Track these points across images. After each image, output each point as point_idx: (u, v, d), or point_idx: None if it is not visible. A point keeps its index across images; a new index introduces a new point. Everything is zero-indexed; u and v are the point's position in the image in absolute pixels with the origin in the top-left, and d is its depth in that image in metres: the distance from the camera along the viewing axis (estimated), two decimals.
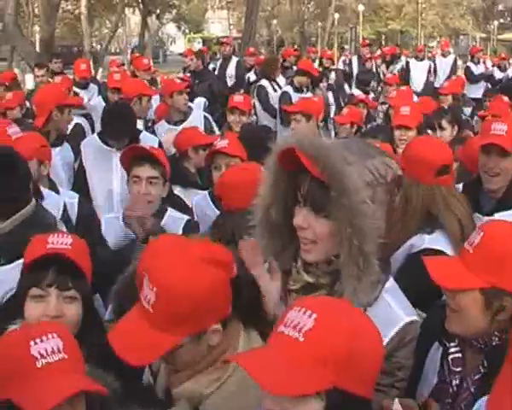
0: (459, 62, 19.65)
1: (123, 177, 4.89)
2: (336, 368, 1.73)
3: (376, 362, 1.84)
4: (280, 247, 2.61)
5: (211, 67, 15.31)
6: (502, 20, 65.73)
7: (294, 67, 12.77)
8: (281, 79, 11.56)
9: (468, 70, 16.77)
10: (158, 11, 43.77)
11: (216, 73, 14.13)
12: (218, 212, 4.35)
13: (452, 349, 2.59)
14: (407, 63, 16.64)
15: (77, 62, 11.67)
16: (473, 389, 2.51)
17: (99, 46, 41.21)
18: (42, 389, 1.94)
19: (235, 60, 14.20)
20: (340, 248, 2.38)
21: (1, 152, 3.79)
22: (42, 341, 2.01)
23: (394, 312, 2.47)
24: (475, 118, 9.08)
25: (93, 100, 10.00)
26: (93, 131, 7.66)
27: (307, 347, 1.74)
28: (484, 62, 18.33)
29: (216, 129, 8.12)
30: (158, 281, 2.21)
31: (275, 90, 10.86)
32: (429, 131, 6.63)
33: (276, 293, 2.57)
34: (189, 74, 12.71)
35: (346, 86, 14.55)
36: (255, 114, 10.45)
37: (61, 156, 6.11)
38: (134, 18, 57.68)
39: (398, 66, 17.28)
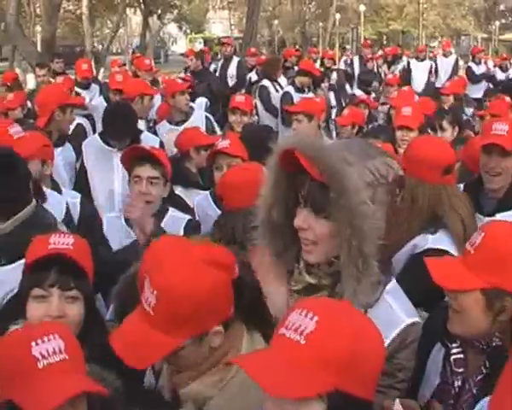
0: (460, 62, 19.62)
1: (124, 177, 4.90)
2: (338, 371, 1.72)
3: (378, 364, 1.84)
4: (282, 247, 2.61)
5: (212, 67, 15.32)
6: (503, 21, 65.66)
7: (296, 68, 12.76)
8: (282, 80, 11.55)
9: (469, 70, 16.75)
10: (159, 11, 43.72)
11: (217, 73, 14.14)
12: (219, 212, 4.35)
13: (454, 350, 2.59)
14: (408, 63, 16.64)
15: (78, 62, 11.66)
16: (475, 390, 2.51)
17: (100, 46, 41.18)
18: (43, 390, 1.94)
19: (236, 60, 14.20)
20: (340, 250, 2.38)
21: (0, 152, 3.79)
22: (43, 341, 2.01)
23: (395, 313, 2.46)
24: (476, 118, 9.07)
25: (94, 100, 9.99)
26: (94, 131, 7.66)
27: (309, 349, 1.73)
28: (485, 63, 18.31)
29: (217, 129, 8.13)
30: (158, 283, 2.21)
31: (276, 91, 10.86)
32: (430, 132, 6.62)
33: (281, 297, 2.56)
34: (190, 75, 12.71)
35: (348, 86, 14.54)
36: (257, 114, 10.44)
37: (62, 156, 6.12)
38: (135, 18, 57.70)
39: (400, 66, 17.29)
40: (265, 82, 11.09)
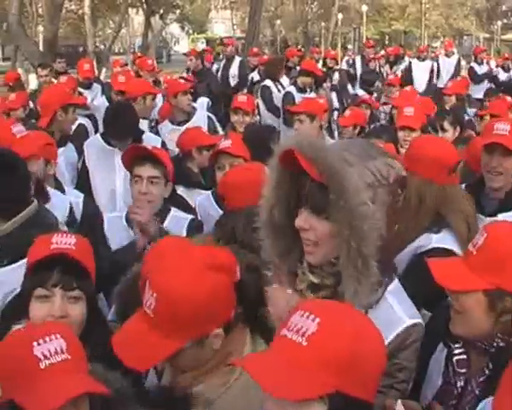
0: (463, 63, 19.61)
1: (126, 177, 4.89)
2: (339, 372, 1.73)
3: (379, 366, 1.84)
4: (284, 248, 2.62)
5: (214, 67, 15.34)
6: (505, 21, 65.63)
7: (298, 68, 12.76)
8: (284, 80, 11.55)
9: (471, 70, 16.74)
10: (161, 11, 43.68)
11: (219, 73, 14.15)
12: (221, 212, 4.35)
13: (457, 351, 2.59)
14: (409, 64, 16.62)
15: (80, 62, 11.67)
16: (477, 391, 2.51)
17: (102, 46, 41.21)
18: (45, 391, 1.94)
19: (238, 60, 14.21)
20: (340, 250, 2.38)
21: (0, 153, 3.79)
22: (45, 342, 2.02)
23: (396, 314, 2.46)
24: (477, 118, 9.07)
25: (96, 100, 10.00)
26: (96, 131, 7.66)
27: (310, 351, 1.73)
28: (488, 63, 18.29)
29: (220, 129, 8.13)
30: (158, 287, 2.21)
31: (279, 91, 10.85)
32: (431, 132, 6.62)
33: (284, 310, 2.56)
34: (191, 74, 12.72)
35: (350, 87, 14.54)
36: (259, 114, 10.44)
37: (64, 156, 6.12)
38: (137, 18, 57.64)
39: (402, 66, 17.28)
40: (268, 82, 11.08)
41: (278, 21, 60.32)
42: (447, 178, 3.70)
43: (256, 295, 2.41)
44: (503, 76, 16.62)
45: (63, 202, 4.55)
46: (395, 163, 2.49)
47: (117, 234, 4.48)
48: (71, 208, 4.57)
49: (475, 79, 15.82)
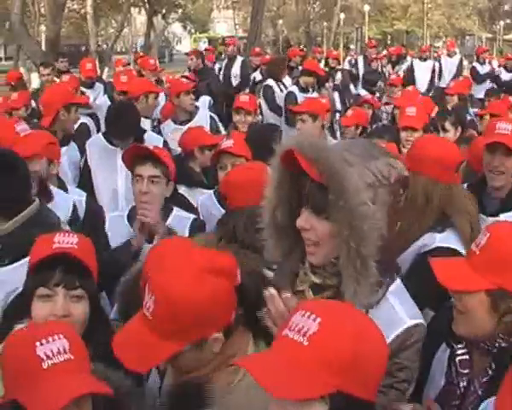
0: (465, 62, 19.61)
1: (127, 176, 4.89)
2: (340, 372, 1.72)
3: (380, 366, 1.83)
4: (287, 248, 2.62)
5: (216, 66, 15.34)
6: (508, 21, 65.62)
7: (300, 68, 12.76)
8: (287, 80, 11.54)
9: (473, 70, 16.73)
10: (164, 11, 43.78)
11: (221, 72, 14.15)
12: (223, 211, 4.35)
13: (459, 351, 2.59)
14: (411, 64, 16.62)
15: (83, 62, 11.67)
16: (480, 391, 2.51)
17: (105, 46, 41.24)
18: (48, 391, 1.94)
19: (240, 59, 14.21)
20: (340, 251, 2.38)
21: (0, 152, 3.79)
22: (48, 342, 2.02)
23: (398, 314, 2.45)
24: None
25: (99, 99, 10.01)
26: (98, 130, 7.67)
27: (311, 351, 1.73)
28: (490, 63, 18.28)
29: (222, 129, 8.13)
30: (157, 290, 2.21)
31: (281, 91, 10.85)
32: (432, 132, 6.62)
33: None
34: (193, 74, 12.72)
35: (352, 87, 14.54)
36: (261, 113, 10.44)
37: (67, 156, 6.12)
38: (140, 17, 57.75)
39: (404, 66, 17.27)
40: (270, 81, 11.08)
41: (280, 21, 60.32)
42: (452, 177, 3.71)
43: (257, 297, 2.41)
44: (505, 76, 16.60)
45: (66, 201, 4.55)
46: (397, 163, 2.49)
47: (118, 233, 4.48)
48: (74, 207, 4.57)
49: (477, 79, 15.81)
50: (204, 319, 2.18)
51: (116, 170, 5.81)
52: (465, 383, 2.56)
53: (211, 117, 8.11)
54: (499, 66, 18.75)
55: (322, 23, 58.72)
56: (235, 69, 13.83)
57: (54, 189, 4.57)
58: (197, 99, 9.05)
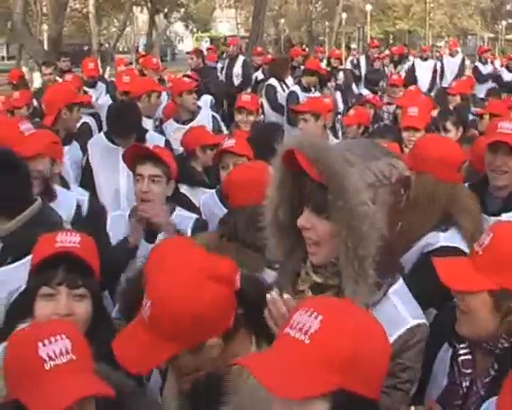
0: (467, 62, 19.57)
1: (129, 175, 4.90)
2: (342, 370, 1.72)
3: (383, 363, 1.83)
4: (288, 247, 2.62)
5: (219, 66, 15.34)
6: (510, 21, 65.49)
7: (302, 67, 12.76)
8: (289, 79, 11.54)
9: (476, 70, 16.72)
10: (166, 10, 43.75)
11: (223, 72, 14.16)
12: (225, 210, 4.35)
13: (462, 351, 2.59)
14: (412, 63, 16.61)
15: (85, 61, 11.68)
16: (483, 391, 2.50)
17: (107, 45, 41.22)
18: (50, 392, 1.94)
19: (241, 59, 14.21)
20: (339, 251, 2.38)
21: (0, 153, 3.79)
22: (50, 342, 2.01)
23: (400, 314, 2.45)
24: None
25: (101, 99, 10.02)
26: (100, 130, 7.66)
27: (313, 349, 1.73)
28: (492, 63, 18.26)
29: (224, 128, 8.13)
30: (153, 295, 2.22)
31: (283, 90, 10.85)
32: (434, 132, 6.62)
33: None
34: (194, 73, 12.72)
35: (354, 86, 14.53)
36: (263, 113, 10.44)
37: (69, 155, 6.12)
38: (142, 17, 57.71)
39: (406, 66, 17.27)
40: (272, 81, 11.07)
41: (282, 20, 60.25)
42: (455, 177, 3.72)
43: (257, 299, 2.41)
44: (507, 76, 16.58)
45: (70, 200, 4.56)
46: (398, 163, 2.49)
47: (120, 233, 4.48)
48: (78, 206, 4.57)
49: (480, 78, 15.79)
50: (201, 325, 2.18)
51: (118, 169, 5.81)
52: (467, 383, 2.56)
53: (213, 117, 8.11)
54: (501, 66, 18.73)
55: (324, 22, 58.62)
56: (237, 69, 13.84)
57: (58, 188, 4.57)
58: (199, 98, 9.06)
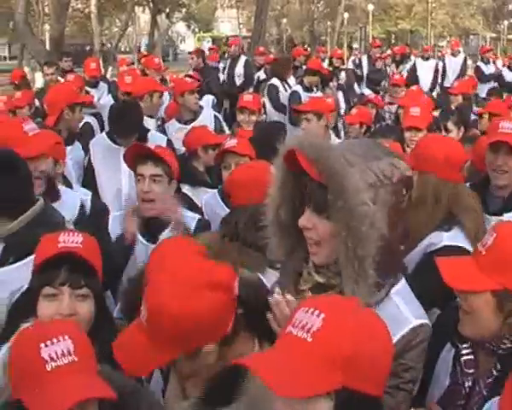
0: (469, 62, 19.56)
1: (131, 175, 4.90)
2: (344, 368, 1.72)
3: (386, 361, 1.83)
4: (290, 247, 2.62)
5: (221, 65, 15.35)
6: None
7: (304, 67, 12.76)
8: (291, 79, 11.54)
9: (478, 70, 16.71)
10: (167, 10, 43.68)
11: (225, 72, 14.16)
12: (227, 210, 4.36)
13: (464, 351, 2.59)
14: (414, 63, 16.60)
15: (87, 61, 11.68)
16: (485, 392, 2.50)
17: (109, 45, 41.23)
18: (51, 394, 1.94)
19: (243, 59, 14.20)
20: (338, 251, 2.38)
21: (1, 153, 3.80)
22: (52, 343, 2.01)
23: (402, 314, 2.44)
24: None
25: (103, 99, 10.01)
26: (102, 130, 7.65)
27: (315, 347, 1.73)
28: (494, 62, 18.25)
29: (226, 128, 8.13)
30: (150, 301, 2.23)
31: (285, 90, 10.85)
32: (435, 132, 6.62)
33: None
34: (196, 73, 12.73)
35: (356, 86, 14.53)
36: (265, 112, 10.43)
37: (71, 155, 6.11)
38: (144, 17, 57.62)
39: (408, 66, 17.26)
40: (275, 81, 11.07)
41: (284, 20, 60.32)
42: (458, 176, 3.73)
43: (257, 301, 2.41)
44: (509, 76, 16.56)
45: (74, 200, 4.56)
46: (400, 163, 2.48)
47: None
48: (82, 206, 4.58)
49: (482, 78, 15.78)
50: (197, 332, 2.18)
51: (120, 169, 5.81)
52: (470, 383, 2.56)
53: (215, 116, 8.11)
54: (503, 65, 18.72)
55: (326, 22, 58.64)
56: (239, 69, 13.82)
57: (62, 188, 4.58)
58: (200, 98, 9.07)
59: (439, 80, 15.87)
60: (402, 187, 2.45)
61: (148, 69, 11.17)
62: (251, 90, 12.38)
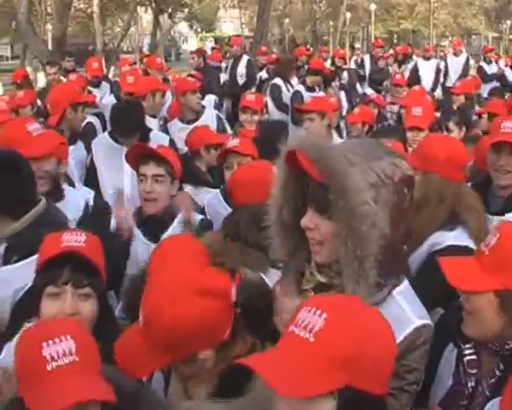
0: (471, 62, 19.54)
1: (133, 175, 4.90)
2: (347, 367, 1.72)
3: (389, 360, 1.83)
4: (292, 247, 2.62)
5: (223, 65, 15.36)
6: None
7: (306, 67, 12.76)
8: (294, 79, 11.54)
9: (480, 70, 16.70)
10: (170, 10, 43.71)
11: (227, 71, 14.16)
12: (230, 210, 4.36)
13: (467, 351, 2.58)
14: (415, 63, 16.59)
15: (89, 61, 11.69)
16: (488, 392, 2.50)
17: (111, 45, 41.27)
18: (49, 393, 1.94)
19: (245, 58, 14.20)
20: (339, 251, 2.38)
21: (3, 154, 3.80)
22: (54, 342, 2.01)
23: (405, 314, 2.44)
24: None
25: (105, 98, 10.02)
26: (105, 129, 7.66)
27: (318, 347, 1.73)
28: (496, 62, 18.23)
29: (228, 128, 8.13)
30: (145, 308, 2.25)
31: (288, 90, 10.85)
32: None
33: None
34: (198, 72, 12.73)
35: (358, 86, 14.52)
36: (267, 112, 10.43)
37: (74, 155, 6.12)
38: (146, 17, 57.70)
39: (410, 65, 17.25)
40: (278, 80, 11.07)
41: (287, 20, 60.32)
42: (460, 176, 3.74)
43: (258, 302, 2.41)
44: (511, 75, 16.55)
45: (78, 200, 4.56)
46: (401, 163, 2.48)
47: None
48: (86, 205, 4.58)
49: (485, 78, 15.77)
50: (190, 339, 2.20)
51: (122, 169, 5.80)
52: (473, 384, 2.55)
53: (217, 116, 8.11)
54: (506, 65, 18.70)
55: (328, 22, 58.62)
56: (241, 68, 13.82)
57: (66, 187, 4.59)
58: (202, 98, 9.07)
59: (441, 80, 15.86)
60: (403, 186, 2.45)
61: (150, 69, 11.17)
62: (253, 89, 12.38)
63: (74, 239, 2.86)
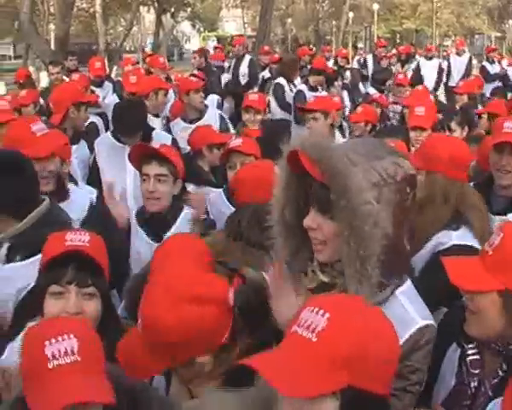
0: (474, 62, 19.52)
1: (136, 174, 4.91)
2: (350, 367, 1.72)
3: (392, 360, 1.83)
4: (294, 247, 2.62)
5: (226, 65, 15.36)
6: None
7: (309, 66, 12.76)
8: (297, 79, 11.54)
9: (483, 70, 16.69)
10: (172, 9, 43.71)
11: (230, 71, 14.17)
12: (233, 209, 4.36)
13: (470, 351, 2.58)
14: (418, 63, 16.59)
15: (92, 61, 11.70)
16: (491, 392, 2.50)
17: (114, 44, 41.27)
18: (49, 392, 1.94)
19: (248, 58, 14.21)
20: (341, 251, 2.38)
21: (6, 154, 3.80)
22: (57, 341, 2.00)
23: (409, 314, 2.44)
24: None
25: (108, 98, 10.02)
26: (107, 129, 7.66)
27: (320, 347, 1.73)
28: (499, 62, 18.21)
29: (231, 128, 8.14)
30: (143, 312, 2.26)
31: (291, 90, 10.85)
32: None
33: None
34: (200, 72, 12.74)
35: (361, 86, 14.53)
36: (269, 111, 10.43)
37: (77, 154, 6.12)
38: (149, 16, 57.69)
39: (413, 65, 17.25)
40: (281, 80, 11.06)
41: (289, 20, 60.29)
42: (463, 176, 3.74)
43: (258, 303, 2.41)
44: None
45: (83, 199, 4.56)
46: (404, 162, 2.48)
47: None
48: (91, 205, 4.58)
49: (488, 78, 15.76)
50: (187, 344, 2.20)
51: (125, 168, 5.80)
52: (476, 384, 2.55)
53: (220, 116, 8.12)
54: (508, 65, 18.68)
55: (331, 22, 58.55)
56: (244, 68, 13.83)
57: (71, 187, 4.58)
58: (205, 98, 9.07)
59: (444, 80, 15.86)
60: (406, 186, 2.45)
61: (152, 68, 11.17)
62: (255, 89, 12.39)
63: (78, 238, 2.86)
